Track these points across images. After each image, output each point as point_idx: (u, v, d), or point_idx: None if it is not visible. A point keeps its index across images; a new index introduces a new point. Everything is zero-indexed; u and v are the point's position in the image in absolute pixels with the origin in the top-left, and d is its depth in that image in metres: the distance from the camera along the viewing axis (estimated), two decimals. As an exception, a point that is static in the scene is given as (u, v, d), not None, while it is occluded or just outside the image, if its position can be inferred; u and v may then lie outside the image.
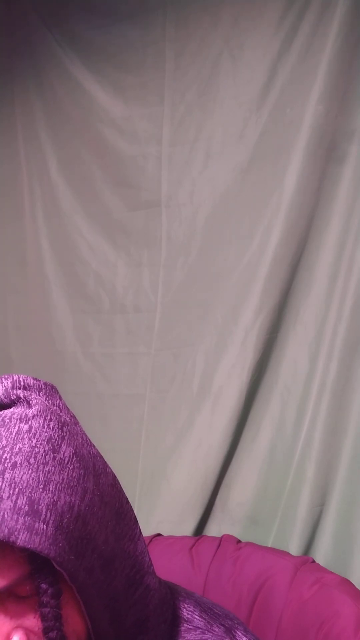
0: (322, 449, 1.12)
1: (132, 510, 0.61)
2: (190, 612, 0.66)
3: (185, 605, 0.66)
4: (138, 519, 0.62)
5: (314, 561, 1.01)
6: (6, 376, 0.56)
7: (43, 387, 0.58)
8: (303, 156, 1.14)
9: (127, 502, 0.61)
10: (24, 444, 0.50)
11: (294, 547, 1.12)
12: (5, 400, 0.55)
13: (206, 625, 0.64)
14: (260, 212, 1.20)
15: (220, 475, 1.24)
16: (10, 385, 0.56)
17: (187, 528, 1.24)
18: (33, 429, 0.51)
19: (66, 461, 0.52)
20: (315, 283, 1.17)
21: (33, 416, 0.53)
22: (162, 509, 1.28)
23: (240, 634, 0.64)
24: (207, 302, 1.27)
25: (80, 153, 1.42)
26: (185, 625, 0.64)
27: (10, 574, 0.48)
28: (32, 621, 0.50)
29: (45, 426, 0.52)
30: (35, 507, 0.48)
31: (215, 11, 1.23)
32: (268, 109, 1.19)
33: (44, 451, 0.51)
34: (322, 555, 1.11)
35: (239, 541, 1.08)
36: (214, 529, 1.25)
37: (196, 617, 0.65)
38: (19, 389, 0.56)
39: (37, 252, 1.47)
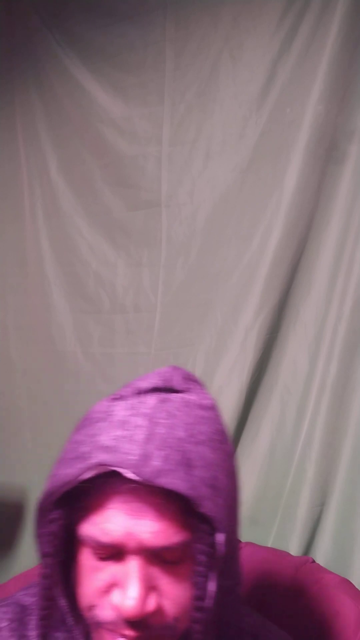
0: (322, 449, 1.12)
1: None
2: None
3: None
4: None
5: (314, 561, 1.01)
6: (176, 367, 0.61)
7: (204, 384, 0.62)
8: (303, 156, 1.14)
9: None
10: (205, 428, 0.55)
11: (294, 547, 1.12)
12: (179, 387, 0.59)
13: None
14: (260, 212, 1.20)
15: (220, 475, 1.24)
16: (183, 374, 0.60)
17: (187, 528, 1.24)
18: (209, 418, 0.57)
19: (229, 455, 0.57)
20: (315, 283, 1.17)
21: (208, 407, 0.58)
22: (162, 509, 1.27)
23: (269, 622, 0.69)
24: (207, 302, 1.27)
25: (80, 153, 1.42)
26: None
27: (174, 538, 0.51)
28: (168, 587, 0.53)
29: (218, 419, 0.58)
30: (216, 484, 0.53)
31: (215, 11, 1.23)
32: (268, 109, 1.19)
33: (217, 440, 0.56)
34: (322, 555, 1.11)
35: (239, 541, 1.08)
36: (214, 529, 1.25)
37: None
38: (190, 380, 0.60)
39: (37, 252, 1.47)
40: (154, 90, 1.32)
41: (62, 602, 0.54)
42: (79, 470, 0.50)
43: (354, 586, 0.93)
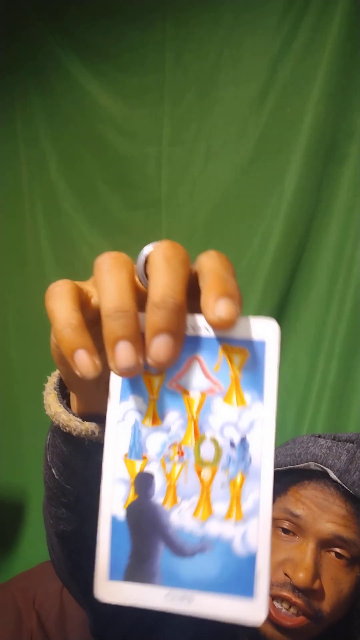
0: (322, 449, 1.12)
1: None
2: None
3: None
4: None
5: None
6: None
7: None
8: (303, 156, 1.14)
9: None
10: None
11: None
12: None
13: None
14: (260, 212, 1.20)
15: (220, 476, 1.24)
16: None
17: (187, 528, 1.24)
18: None
19: None
20: (315, 283, 1.17)
21: None
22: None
23: None
24: (207, 302, 1.27)
25: (81, 153, 1.42)
26: None
27: (350, 534, 0.62)
28: (331, 582, 0.62)
29: None
30: None
31: (215, 11, 1.23)
32: (268, 109, 1.19)
33: None
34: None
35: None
36: (214, 529, 1.25)
37: None
38: None
39: (37, 252, 1.47)
40: (154, 90, 1.32)
41: None
42: (293, 460, 0.66)
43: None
